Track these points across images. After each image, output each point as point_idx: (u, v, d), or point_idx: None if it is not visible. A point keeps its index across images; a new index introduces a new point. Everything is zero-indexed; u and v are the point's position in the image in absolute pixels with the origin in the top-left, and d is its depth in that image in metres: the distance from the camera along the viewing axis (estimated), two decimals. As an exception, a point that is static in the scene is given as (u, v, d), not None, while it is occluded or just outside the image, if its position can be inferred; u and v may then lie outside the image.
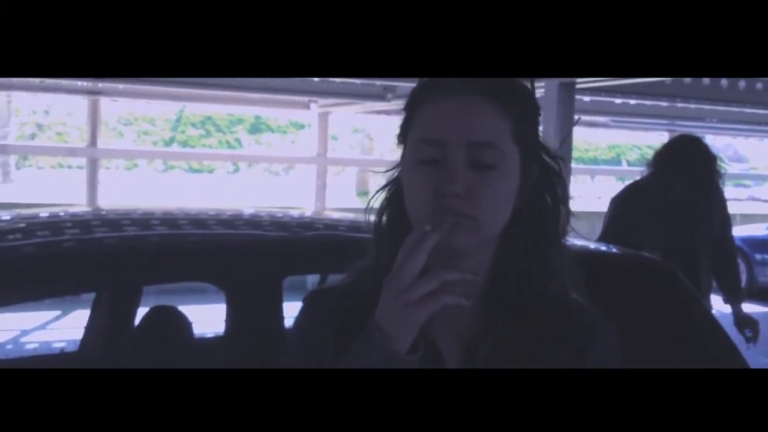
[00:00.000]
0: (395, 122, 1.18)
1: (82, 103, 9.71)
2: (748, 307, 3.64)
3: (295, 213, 2.67)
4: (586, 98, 6.69)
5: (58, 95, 9.54)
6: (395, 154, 1.15)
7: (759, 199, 20.45)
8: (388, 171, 1.15)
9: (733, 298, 3.58)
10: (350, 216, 2.42)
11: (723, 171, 3.44)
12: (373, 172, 1.35)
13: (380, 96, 7.21)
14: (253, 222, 2.40)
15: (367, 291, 1.07)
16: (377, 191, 1.17)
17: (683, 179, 3.32)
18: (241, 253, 1.99)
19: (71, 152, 12.59)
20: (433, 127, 1.06)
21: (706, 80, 6.16)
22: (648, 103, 7.30)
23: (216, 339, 2.74)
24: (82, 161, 10.72)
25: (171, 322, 2.35)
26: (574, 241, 2.39)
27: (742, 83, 6.27)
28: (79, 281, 1.95)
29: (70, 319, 6.70)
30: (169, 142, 26.80)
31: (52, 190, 17.19)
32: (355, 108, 8.73)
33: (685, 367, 1.28)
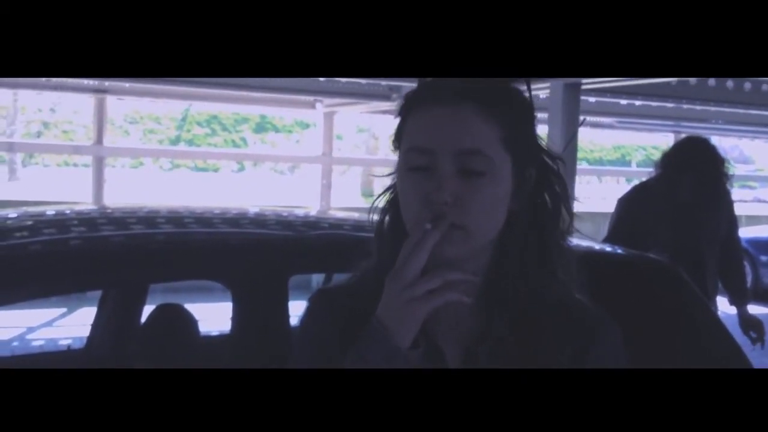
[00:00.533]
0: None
1: (88, 101, 9.73)
2: (753, 309, 3.64)
3: (301, 212, 2.68)
4: (592, 99, 6.68)
5: (64, 93, 9.56)
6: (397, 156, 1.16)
7: (765, 201, 20.40)
8: (389, 175, 1.16)
9: (738, 299, 3.57)
10: (355, 215, 2.43)
11: (731, 173, 3.44)
12: (374, 176, 1.36)
13: (385, 96, 7.21)
14: (260, 221, 2.41)
15: (370, 291, 1.08)
16: (380, 194, 1.18)
17: (691, 181, 3.32)
18: (248, 252, 1.99)
19: (77, 150, 12.62)
20: (421, 136, 1.07)
21: (711, 81, 6.15)
22: (653, 104, 7.28)
23: (222, 337, 2.75)
24: (88, 159, 10.75)
25: (177, 319, 2.36)
26: (579, 242, 2.39)
27: (747, 84, 6.26)
28: (86, 279, 1.96)
29: (75, 317, 6.72)
30: (174, 141, 26.84)
31: (58, 188, 17.24)
32: (361, 108, 8.73)
33: (689, 368, 1.28)
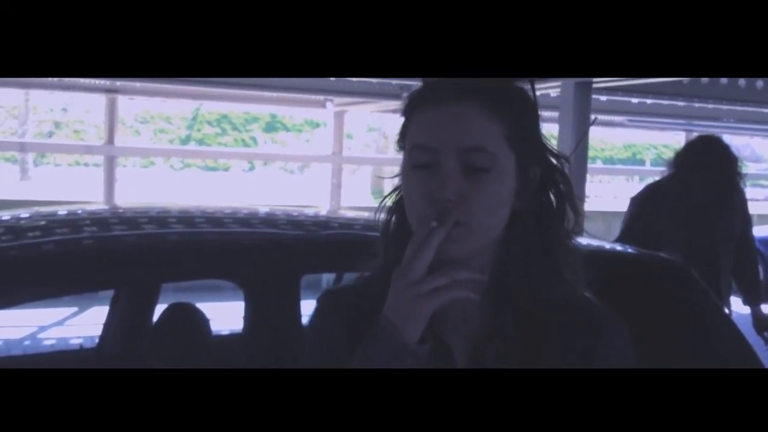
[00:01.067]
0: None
1: (99, 101, 9.76)
2: (767, 309, 3.62)
3: (312, 212, 2.68)
4: (603, 98, 6.66)
5: (75, 93, 9.59)
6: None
7: (777, 200, 20.27)
8: (395, 176, 1.16)
9: (752, 299, 3.56)
10: (365, 215, 2.43)
11: (744, 172, 3.43)
12: (381, 177, 1.37)
13: (396, 95, 7.20)
14: (271, 220, 2.41)
15: (377, 291, 1.09)
16: (386, 195, 1.19)
17: (704, 180, 3.31)
18: (261, 251, 2.00)
19: (88, 150, 12.66)
20: (425, 134, 1.07)
21: (723, 80, 6.12)
22: (665, 102, 7.27)
23: (234, 336, 2.75)
24: (99, 159, 10.78)
25: (189, 319, 2.37)
26: (590, 241, 2.39)
27: (759, 83, 6.23)
28: (99, 279, 1.97)
29: (87, 316, 6.75)
30: (185, 141, 26.90)
31: (69, 187, 17.31)
32: (371, 107, 8.73)
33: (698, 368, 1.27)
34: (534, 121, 1.12)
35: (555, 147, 1.16)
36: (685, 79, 5.93)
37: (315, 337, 1.19)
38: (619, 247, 2.69)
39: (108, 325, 2.74)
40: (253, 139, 27.76)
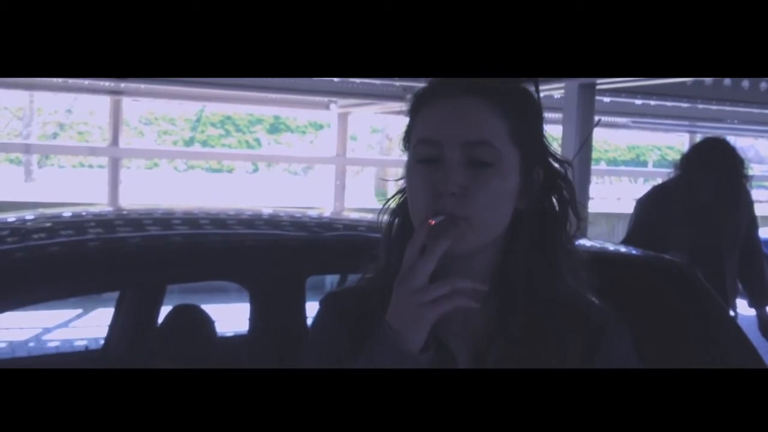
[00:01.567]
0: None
1: (103, 102, 9.77)
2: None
3: (316, 213, 2.69)
4: (606, 99, 6.65)
5: (79, 95, 9.60)
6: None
7: (781, 201, 20.19)
8: (400, 179, 1.17)
9: (758, 301, 3.55)
10: (369, 216, 2.44)
11: (750, 174, 3.42)
12: (385, 180, 1.37)
13: (399, 96, 7.20)
14: (276, 222, 2.42)
15: (379, 293, 1.09)
16: (389, 198, 1.19)
17: (710, 181, 3.31)
18: (267, 253, 2.00)
19: (93, 151, 12.66)
20: (430, 128, 1.08)
21: (727, 81, 6.11)
22: (668, 104, 7.25)
23: (239, 338, 2.76)
24: (103, 160, 10.79)
25: (194, 320, 2.37)
26: (594, 242, 2.39)
27: (763, 84, 6.22)
28: (104, 280, 1.97)
29: (91, 318, 6.75)
30: (189, 142, 26.93)
31: (73, 189, 17.33)
32: (375, 108, 8.73)
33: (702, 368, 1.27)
34: (538, 121, 1.13)
35: (558, 151, 1.16)
36: (689, 81, 5.92)
37: (317, 339, 1.20)
38: (623, 249, 2.69)
39: (113, 327, 2.75)
40: (257, 140, 27.78)
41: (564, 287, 1.12)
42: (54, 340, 6.47)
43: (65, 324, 6.94)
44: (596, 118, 5.22)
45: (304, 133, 28.19)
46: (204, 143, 26.88)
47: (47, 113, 24.63)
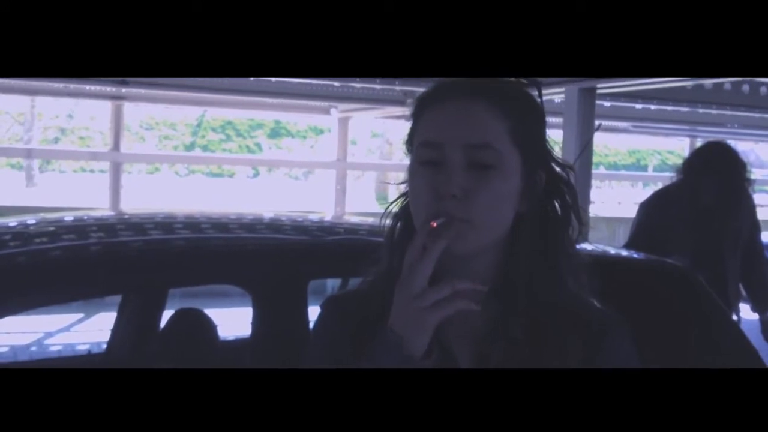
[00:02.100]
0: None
1: (104, 107, 9.78)
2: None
3: (317, 217, 2.69)
4: (607, 103, 6.65)
5: (80, 100, 9.61)
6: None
7: (781, 205, 20.15)
8: (403, 183, 1.17)
9: (761, 306, 3.54)
10: (370, 220, 2.44)
11: (753, 178, 3.42)
12: (387, 183, 1.37)
13: (400, 101, 7.21)
14: (278, 226, 2.42)
15: (381, 297, 1.09)
16: (392, 202, 1.20)
17: (712, 184, 3.30)
18: (269, 257, 2.01)
19: (94, 156, 12.69)
20: (432, 131, 1.09)
21: (727, 85, 6.11)
22: (669, 108, 7.25)
23: (241, 342, 2.76)
24: (104, 165, 10.80)
25: (197, 324, 2.37)
26: (595, 246, 2.39)
27: (764, 89, 6.22)
28: (106, 284, 1.97)
29: (93, 322, 6.75)
30: (190, 147, 26.95)
31: (75, 193, 17.34)
32: (375, 113, 8.74)
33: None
34: (540, 125, 1.13)
35: (560, 155, 1.17)
36: (689, 85, 5.92)
37: (317, 342, 1.20)
38: (624, 253, 2.69)
39: (115, 331, 2.75)
40: (258, 145, 27.80)
41: (565, 290, 1.13)
42: (56, 345, 6.47)
43: (67, 328, 6.94)
44: (597, 122, 5.23)
45: (304, 137, 28.21)
46: (205, 148, 26.91)
47: (48, 118, 24.66)
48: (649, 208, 3.57)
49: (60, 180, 24.11)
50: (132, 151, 15.83)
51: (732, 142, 3.59)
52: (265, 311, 1.90)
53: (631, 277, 2.32)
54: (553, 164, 1.14)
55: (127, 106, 8.44)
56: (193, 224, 2.34)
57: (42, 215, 2.50)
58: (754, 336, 2.35)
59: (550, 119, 1.16)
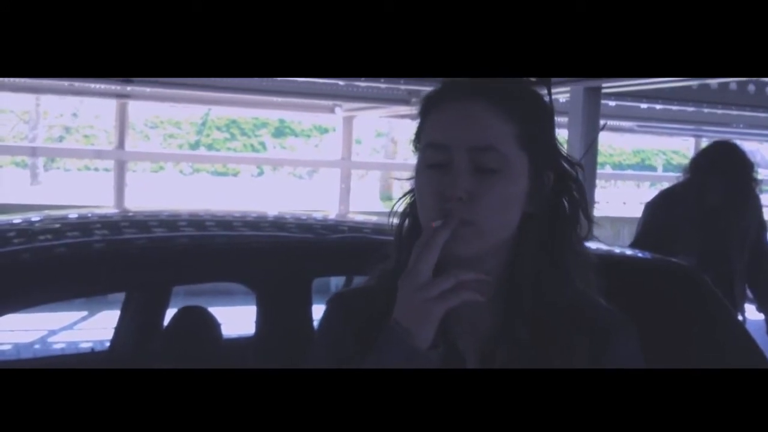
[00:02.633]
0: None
1: (109, 105, 9.78)
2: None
3: (320, 215, 2.69)
4: (612, 103, 6.64)
5: (85, 98, 9.62)
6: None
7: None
8: (410, 179, 1.17)
9: (766, 306, 3.54)
10: (374, 219, 2.44)
11: (760, 178, 3.42)
12: (396, 179, 1.37)
13: (404, 100, 7.20)
14: (282, 224, 2.42)
15: (388, 294, 1.09)
16: (400, 197, 1.19)
17: (719, 183, 3.30)
18: (273, 255, 2.01)
19: (99, 155, 12.67)
20: (438, 132, 1.08)
21: (732, 85, 6.10)
22: (674, 108, 7.23)
23: (245, 340, 2.76)
24: (109, 163, 10.81)
25: (200, 322, 2.37)
26: (600, 245, 2.38)
27: (769, 88, 6.21)
28: (110, 282, 1.97)
29: (96, 320, 6.76)
30: (194, 146, 26.98)
31: (79, 191, 17.36)
32: (380, 112, 8.73)
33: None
34: (548, 125, 1.12)
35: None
36: (694, 85, 5.91)
37: (322, 340, 1.20)
38: (629, 252, 2.69)
39: (119, 329, 2.75)
40: (262, 144, 27.83)
41: (572, 289, 1.12)
42: (59, 342, 6.48)
43: (71, 326, 6.95)
44: (602, 121, 5.22)
45: (309, 136, 28.23)
46: (209, 147, 26.94)
47: (53, 116, 24.69)
48: (655, 207, 3.57)
49: (64, 178, 24.15)
50: (136, 150, 15.87)
51: (737, 142, 3.57)
52: (269, 309, 1.90)
53: (636, 276, 2.32)
54: (561, 162, 1.13)
55: (132, 105, 8.44)
56: (197, 222, 2.34)
57: (46, 213, 2.50)
58: (759, 336, 2.34)
59: (555, 118, 1.15)
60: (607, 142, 25.98)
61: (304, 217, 2.47)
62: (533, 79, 1.14)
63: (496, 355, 1.10)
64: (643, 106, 7.20)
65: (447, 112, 1.08)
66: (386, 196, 19.29)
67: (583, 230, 1.14)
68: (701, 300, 2.30)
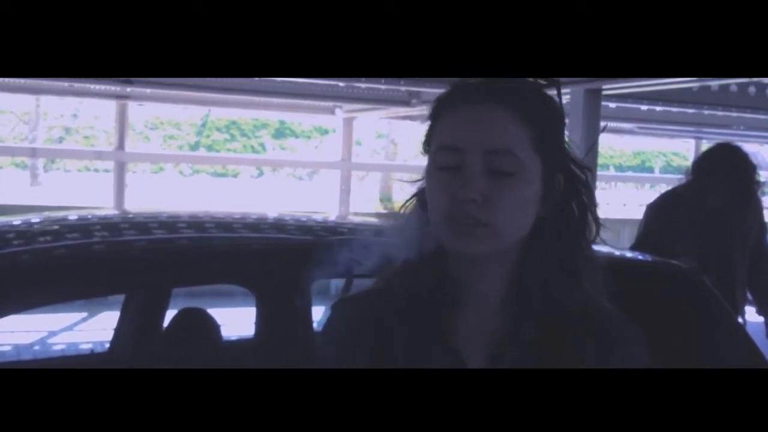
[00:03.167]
0: (419, 128, 1.20)
1: (108, 106, 9.78)
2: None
3: (320, 217, 2.69)
4: (612, 105, 6.64)
5: (85, 99, 9.63)
6: (419, 159, 1.16)
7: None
8: (417, 181, 1.16)
9: (766, 308, 3.53)
10: (374, 221, 2.44)
11: (762, 180, 3.42)
12: (401, 181, 1.36)
13: (405, 101, 7.20)
14: (282, 226, 2.42)
15: (394, 297, 1.08)
16: (407, 200, 1.19)
17: (721, 185, 3.30)
18: (273, 256, 2.00)
19: (99, 155, 12.67)
20: (451, 135, 1.07)
21: (733, 87, 6.10)
22: (674, 110, 7.23)
23: (244, 341, 2.76)
24: (109, 164, 10.81)
25: (200, 324, 2.37)
26: (601, 247, 2.38)
27: (770, 90, 6.21)
28: (110, 283, 1.97)
29: (96, 321, 6.76)
30: (194, 147, 27.01)
31: (79, 193, 17.37)
32: (380, 113, 8.73)
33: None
34: (560, 127, 1.12)
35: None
36: (695, 86, 5.91)
37: (327, 345, 1.19)
38: (630, 254, 2.68)
39: (119, 330, 2.75)
40: (262, 145, 27.85)
41: (581, 294, 1.12)
42: (59, 344, 6.48)
43: (71, 327, 6.95)
44: (602, 123, 5.22)
45: (309, 138, 28.25)
46: (209, 148, 26.96)
47: (53, 117, 24.72)
48: (656, 209, 3.57)
49: (64, 179, 24.16)
50: (136, 151, 15.87)
51: (739, 144, 3.57)
52: (269, 311, 1.90)
53: (636, 278, 2.32)
54: (572, 165, 1.13)
55: (132, 106, 8.45)
56: (196, 224, 2.34)
57: (46, 214, 2.50)
58: (759, 339, 2.34)
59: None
60: (608, 143, 25.99)
61: (304, 219, 2.47)
62: (543, 81, 1.13)
63: (504, 357, 1.09)
64: (644, 107, 7.19)
65: (460, 114, 1.07)
66: (386, 198, 19.29)
67: (591, 233, 1.14)
68: (702, 302, 2.30)
